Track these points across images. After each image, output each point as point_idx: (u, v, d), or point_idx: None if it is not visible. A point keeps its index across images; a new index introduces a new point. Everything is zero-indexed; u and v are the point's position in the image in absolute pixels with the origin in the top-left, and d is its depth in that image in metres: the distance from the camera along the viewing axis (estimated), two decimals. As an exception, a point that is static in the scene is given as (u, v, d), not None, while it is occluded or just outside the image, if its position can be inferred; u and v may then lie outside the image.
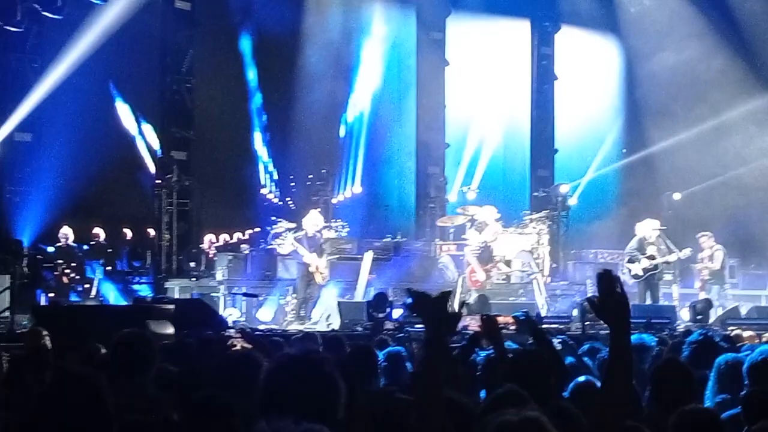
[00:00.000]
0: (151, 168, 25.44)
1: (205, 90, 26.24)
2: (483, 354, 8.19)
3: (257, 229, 25.47)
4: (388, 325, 17.86)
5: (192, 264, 25.37)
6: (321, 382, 4.51)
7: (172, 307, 16.87)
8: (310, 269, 21.68)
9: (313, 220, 22.44)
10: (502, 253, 24.22)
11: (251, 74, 27.99)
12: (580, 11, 30.00)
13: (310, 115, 28.44)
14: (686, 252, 23.95)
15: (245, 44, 27.84)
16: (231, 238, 26.76)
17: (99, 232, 24.45)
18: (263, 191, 28.06)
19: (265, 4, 26.94)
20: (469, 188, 28.40)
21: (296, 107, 28.36)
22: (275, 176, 28.50)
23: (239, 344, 8.06)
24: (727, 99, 28.87)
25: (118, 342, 7.15)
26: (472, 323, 12.82)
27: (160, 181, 24.37)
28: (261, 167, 28.51)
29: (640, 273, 23.40)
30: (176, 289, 23.11)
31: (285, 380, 4.50)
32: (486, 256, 23.42)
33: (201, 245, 25.86)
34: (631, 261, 23.72)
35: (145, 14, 24.39)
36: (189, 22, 25.37)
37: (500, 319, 8.04)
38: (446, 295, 5.22)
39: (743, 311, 23.41)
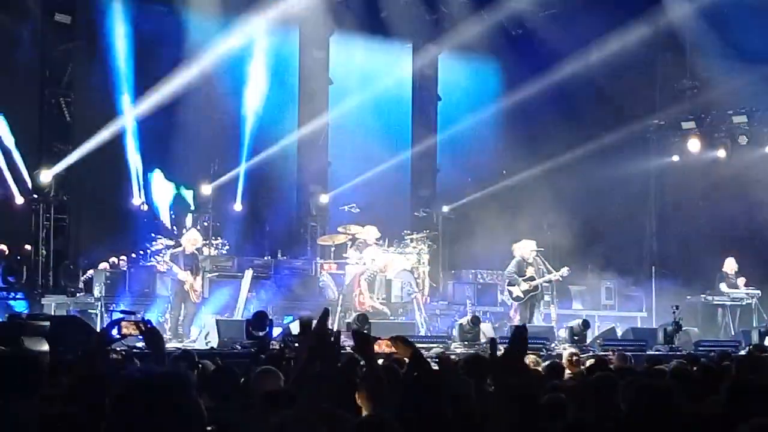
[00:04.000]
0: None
1: (85, 104, 25.82)
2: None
3: (142, 252, 24.99)
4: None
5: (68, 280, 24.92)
6: (178, 412, 3.61)
7: (47, 323, 16.59)
8: (185, 287, 21.57)
9: (191, 238, 22.35)
10: (382, 273, 24.35)
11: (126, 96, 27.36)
12: (462, 34, 30.09)
13: (190, 132, 28.13)
14: (564, 271, 24.30)
15: (125, 59, 27.42)
16: (118, 261, 26.22)
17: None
18: (134, 201, 27.46)
19: (146, 18, 26.75)
20: (350, 207, 28.34)
21: (175, 125, 27.97)
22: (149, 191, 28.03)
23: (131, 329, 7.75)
24: (604, 123, 29.30)
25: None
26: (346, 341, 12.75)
27: (36, 196, 23.95)
28: (135, 182, 27.93)
29: (522, 295, 23.70)
30: (53, 305, 22.72)
31: (134, 411, 3.59)
32: (372, 285, 23.66)
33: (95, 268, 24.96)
34: (511, 284, 24.01)
35: (24, 26, 24.03)
36: (69, 35, 25.02)
37: (383, 345, 7.90)
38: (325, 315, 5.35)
39: (619, 332, 23.80)
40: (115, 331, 7.63)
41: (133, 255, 25.19)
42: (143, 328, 7.34)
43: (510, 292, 24.13)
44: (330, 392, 5.33)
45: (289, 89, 29.87)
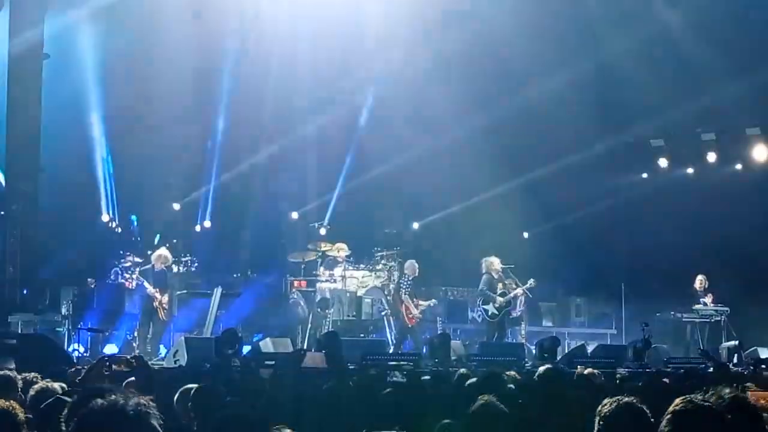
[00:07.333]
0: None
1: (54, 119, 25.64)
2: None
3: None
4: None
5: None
6: None
7: (14, 341, 16.45)
8: (154, 304, 21.51)
9: (161, 255, 22.27)
10: (353, 289, 24.31)
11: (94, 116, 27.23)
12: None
13: (162, 149, 28.02)
14: (530, 282, 24.24)
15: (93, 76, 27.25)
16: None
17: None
18: (104, 218, 27.45)
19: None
20: (320, 224, 28.25)
21: (147, 141, 27.83)
22: (118, 208, 27.95)
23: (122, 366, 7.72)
24: (572, 142, 29.29)
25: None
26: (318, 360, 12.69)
27: (3, 213, 23.75)
28: (104, 198, 27.84)
29: (497, 312, 23.62)
30: (19, 323, 22.48)
31: None
32: (414, 292, 23.65)
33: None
34: (485, 302, 23.93)
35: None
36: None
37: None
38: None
39: (589, 350, 23.77)
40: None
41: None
42: (134, 365, 7.37)
43: (485, 311, 24.03)
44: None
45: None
